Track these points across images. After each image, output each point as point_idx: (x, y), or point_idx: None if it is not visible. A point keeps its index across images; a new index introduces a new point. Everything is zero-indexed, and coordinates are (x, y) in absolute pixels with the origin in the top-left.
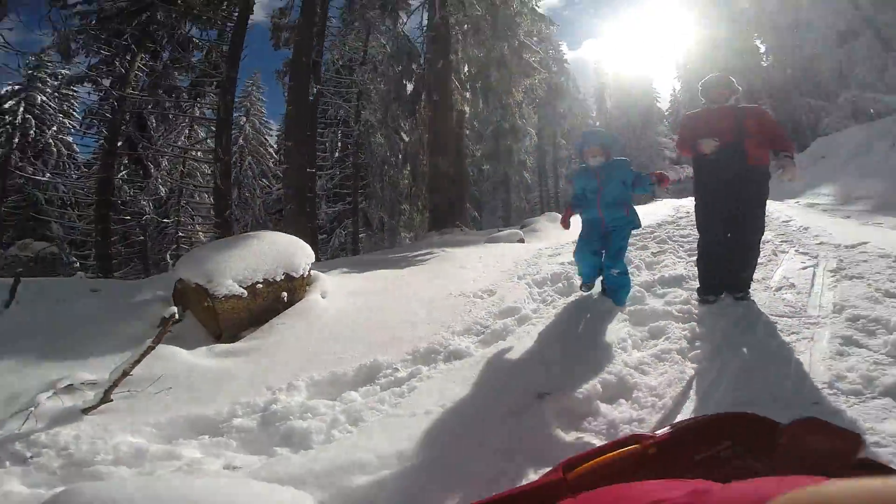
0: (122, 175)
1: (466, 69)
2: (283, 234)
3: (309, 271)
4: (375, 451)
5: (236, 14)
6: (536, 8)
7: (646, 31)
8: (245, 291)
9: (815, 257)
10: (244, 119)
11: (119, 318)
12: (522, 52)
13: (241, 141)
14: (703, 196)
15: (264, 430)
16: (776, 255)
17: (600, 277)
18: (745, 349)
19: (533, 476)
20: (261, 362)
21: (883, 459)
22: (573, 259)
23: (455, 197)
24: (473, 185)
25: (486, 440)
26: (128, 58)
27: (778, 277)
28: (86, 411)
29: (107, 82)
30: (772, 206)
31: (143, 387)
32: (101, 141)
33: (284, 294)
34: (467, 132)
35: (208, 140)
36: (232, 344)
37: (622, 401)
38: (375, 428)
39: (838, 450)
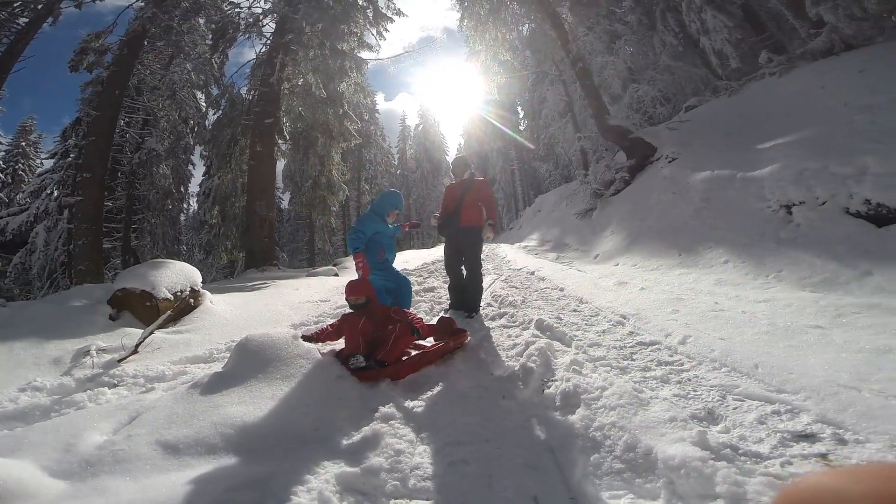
0: None
1: (291, 125)
2: (182, 262)
3: (200, 287)
4: None
5: (24, 19)
6: (360, 83)
7: (446, 94)
8: (172, 297)
9: (500, 275)
10: None
11: (80, 314)
12: (345, 120)
13: None
14: (445, 245)
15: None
16: (484, 275)
17: None
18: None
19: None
20: (201, 335)
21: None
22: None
23: (270, 239)
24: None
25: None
26: None
27: (485, 284)
28: (121, 360)
29: None
30: (503, 249)
31: (144, 349)
32: None
33: (192, 300)
34: (297, 181)
35: None
36: (175, 328)
37: None
38: None
39: (451, 325)
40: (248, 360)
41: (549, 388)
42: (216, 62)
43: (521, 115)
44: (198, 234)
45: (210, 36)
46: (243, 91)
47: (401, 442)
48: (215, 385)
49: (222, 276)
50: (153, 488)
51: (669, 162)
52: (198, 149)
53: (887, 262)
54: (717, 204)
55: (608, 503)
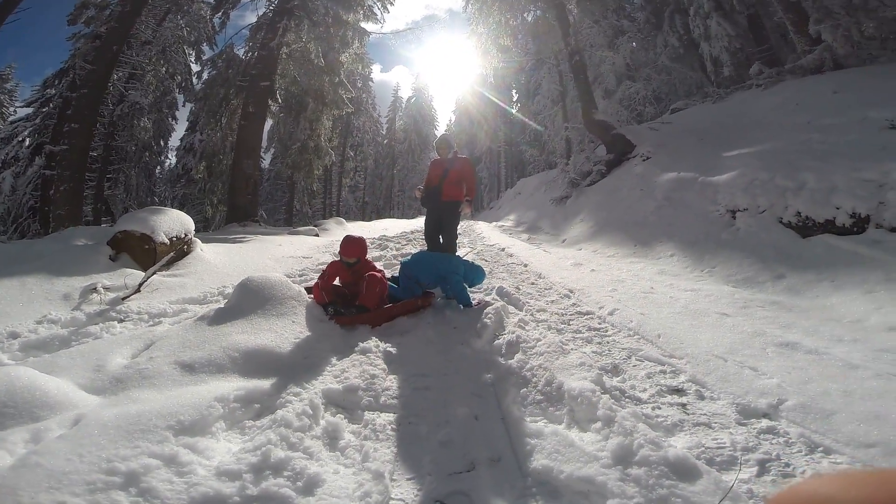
0: None
1: (285, 89)
2: (178, 210)
3: (193, 235)
4: None
5: None
6: (360, 54)
7: (442, 72)
8: (168, 241)
9: (474, 248)
10: None
11: (83, 254)
12: (339, 88)
13: None
14: (426, 217)
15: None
16: (459, 248)
17: None
18: None
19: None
20: (194, 279)
21: None
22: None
23: (254, 197)
24: None
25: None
26: None
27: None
28: (125, 298)
29: None
30: (480, 226)
31: (144, 289)
32: None
33: (185, 246)
34: (286, 143)
35: None
36: (167, 273)
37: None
38: None
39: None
40: (249, 298)
41: (498, 339)
42: (216, 22)
43: (515, 98)
44: (173, 187)
45: None
46: (240, 52)
47: (375, 370)
48: (221, 317)
49: (197, 229)
50: (176, 398)
51: (643, 160)
52: (183, 105)
53: (801, 268)
54: (676, 204)
55: (528, 423)
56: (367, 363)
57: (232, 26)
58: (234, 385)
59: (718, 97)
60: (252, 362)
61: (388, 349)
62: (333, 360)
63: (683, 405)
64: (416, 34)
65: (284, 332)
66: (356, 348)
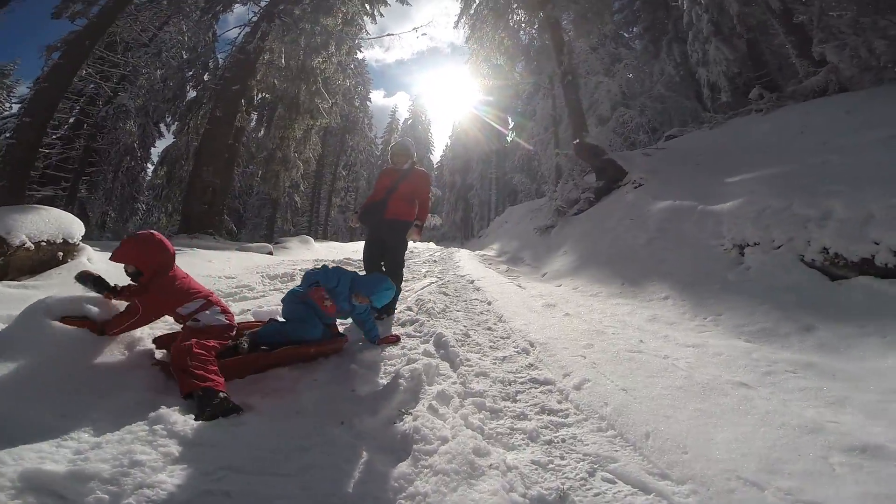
0: None
1: (260, 95)
2: (62, 211)
3: (79, 241)
4: None
5: None
6: (343, 62)
7: (442, 100)
8: (33, 246)
9: (441, 279)
10: None
11: None
12: (316, 97)
13: None
14: (366, 237)
15: None
16: (426, 276)
17: None
18: None
19: None
20: (47, 292)
21: None
22: None
23: (212, 207)
24: (238, 199)
25: None
26: None
27: (419, 286)
28: None
29: None
30: (461, 254)
31: None
32: None
33: (61, 254)
34: (253, 151)
35: None
36: (23, 281)
37: None
38: None
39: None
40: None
41: (401, 421)
42: (205, 23)
43: (511, 126)
44: (156, 194)
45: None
46: (221, 57)
47: (153, 453)
48: None
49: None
50: None
51: (635, 187)
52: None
53: (834, 319)
54: (671, 236)
55: None
56: (146, 441)
57: (227, 34)
58: None
59: (716, 123)
60: None
61: (209, 421)
62: (102, 431)
63: None
64: (418, 61)
65: (40, 378)
66: (152, 414)
